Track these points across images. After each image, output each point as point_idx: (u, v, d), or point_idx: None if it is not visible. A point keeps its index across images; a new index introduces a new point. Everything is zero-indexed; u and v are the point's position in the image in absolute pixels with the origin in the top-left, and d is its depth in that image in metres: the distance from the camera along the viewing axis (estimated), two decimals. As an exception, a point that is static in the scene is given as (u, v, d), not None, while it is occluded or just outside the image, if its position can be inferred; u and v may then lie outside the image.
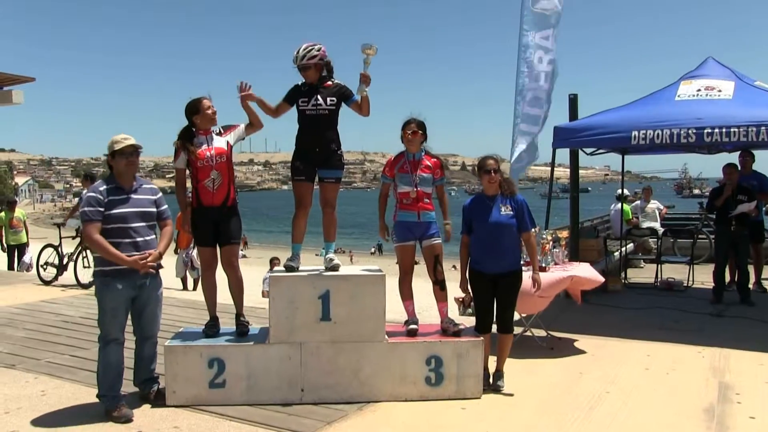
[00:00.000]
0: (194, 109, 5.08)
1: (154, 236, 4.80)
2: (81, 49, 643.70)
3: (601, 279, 7.03)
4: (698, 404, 4.95)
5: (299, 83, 5.28)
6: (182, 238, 11.79)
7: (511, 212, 5.21)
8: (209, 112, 5.09)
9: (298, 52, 5.13)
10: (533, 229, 5.43)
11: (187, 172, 5.16)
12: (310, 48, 5.14)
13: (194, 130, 5.11)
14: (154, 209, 4.81)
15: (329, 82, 5.25)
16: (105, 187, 4.63)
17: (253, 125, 5.30)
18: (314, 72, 5.17)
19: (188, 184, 5.23)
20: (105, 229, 4.56)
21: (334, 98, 5.21)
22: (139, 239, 4.64)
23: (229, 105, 5.66)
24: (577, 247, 9.13)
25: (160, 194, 4.96)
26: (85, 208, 4.56)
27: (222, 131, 5.21)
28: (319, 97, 5.17)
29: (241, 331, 5.19)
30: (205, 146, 5.06)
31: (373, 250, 43.70)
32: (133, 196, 4.70)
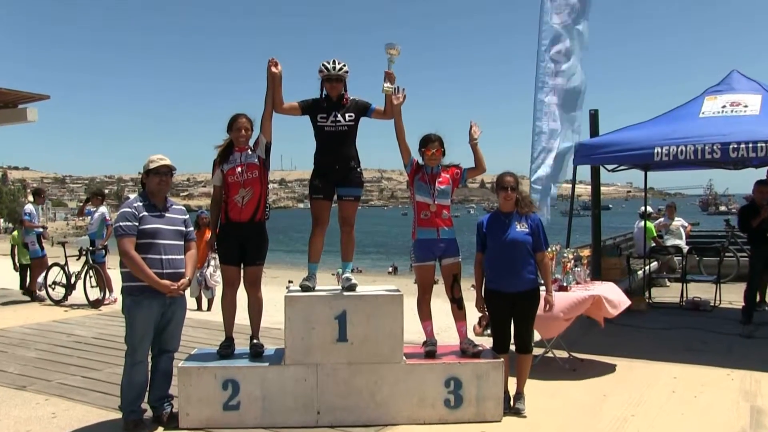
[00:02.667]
0: (229, 124, 5.19)
1: (182, 257, 4.89)
2: (95, 72, 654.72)
3: (627, 302, 6.94)
4: (729, 430, 4.86)
5: (319, 97, 5.31)
6: (200, 255, 11.85)
7: (527, 230, 5.21)
8: (237, 134, 5.14)
9: (332, 64, 5.18)
10: (554, 247, 5.41)
11: None
12: (344, 63, 5.22)
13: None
14: (184, 228, 4.95)
15: (345, 99, 5.30)
16: (139, 203, 4.77)
17: (267, 113, 5.22)
18: (341, 86, 5.25)
19: None
20: (136, 245, 4.67)
21: (352, 114, 5.25)
22: (166, 257, 4.74)
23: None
24: (599, 265, 9.07)
25: (188, 215, 5.11)
26: (120, 223, 4.68)
27: (253, 147, 5.26)
28: (338, 113, 5.21)
29: (256, 352, 5.20)
30: (237, 162, 5.14)
31: (390, 269, 43.68)
32: (166, 214, 4.86)
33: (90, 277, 10.97)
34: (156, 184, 4.83)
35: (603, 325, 6.82)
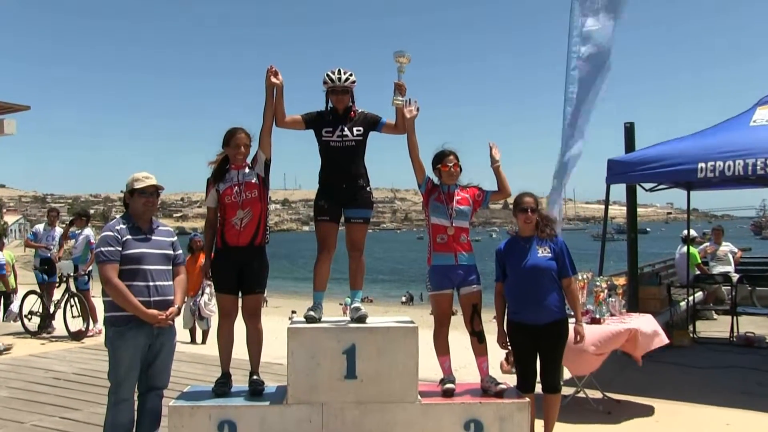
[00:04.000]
0: (226, 139, 5.23)
1: (170, 283, 4.91)
2: (79, 82, 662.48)
3: (665, 340, 6.90)
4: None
5: (324, 110, 5.37)
6: (190, 284, 11.87)
7: (550, 254, 5.22)
8: (235, 150, 5.17)
9: (337, 74, 5.23)
10: (585, 275, 5.40)
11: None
12: (350, 73, 5.27)
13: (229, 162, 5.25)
14: (172, 252, 4.98)
15: (353, 112, 5.36)
16: (122, 225, 4.79)
17: (266, 127, 5.27)
18: (348, 98, 5.31)
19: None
20: (120, 271, 4.69)
21: (361, 128, 5.30)
22: (152, 283, 4.76)
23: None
24: (636, 295, 9.04)
25: (176, 237, 5.13)
26: (102, 248, 4.69)
27: (251, 165, 5.30)
28: (345, 127, 5.26)
29: (255, 390, 5.21)
30: (234, 181, 5.18)
31: (404, 299, 43.57)
32: (151, 237, 4.87)
33: (71, 306, 11.02)
34: (141, 205, 4.85)
35: (640, 362, 6.78)
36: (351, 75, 5.27)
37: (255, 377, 5.27)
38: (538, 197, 5.45)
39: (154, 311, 4.71)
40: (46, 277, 11.60)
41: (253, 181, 5.21)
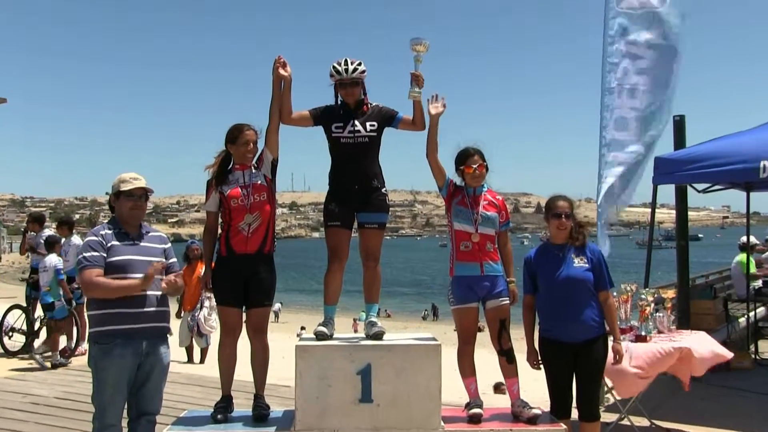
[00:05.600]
0: (231, 137, 5.28)
1: (161, 293, 4.88)
2: (63, 75, 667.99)
3: (727, 354, 6.84)
4: None
5: (334, 104, 5.41)
6: (187, 297, 11.95)
7: (587, 264, 5.21)
8: (244, 148, 5.24)
9: (344, 65, 5.26)
10: (629, 287, 5.39)
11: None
12: (359, 61, 5.30)
13: (232, 162, 5.30)
14: (164, 260, 4.96)
15: (366, 105, 5.39)
16: (107, 231, 4.81)
17: (273, 124, 5.34)
18: (359, 90, 5.34)
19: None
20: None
21: (374, 123, 5.32)
22: (141, 293, 4.73)
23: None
24: (687, 310, 8.98)
25: (170, 244, 5.13)
26: (84, 254, 4.71)
27: (257, 164, 5.35)
28: (356, 122, 5.29)
29: (260, 415, 5.22)
30: (240, 183, 5.23)
31: (425, 312, 43.53)
32: (141, 243, 4.88)
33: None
34: (128, 209, 4.86)
35: (687, 386, 6.70)
36: (360, 65, 5.29)
37: (259, 400, 5.29)
38: (573, 200, 5.43)
39: (138, 277, 4.67)
40: (34, 291, 11.33)
41: (261, 182, 5.26)
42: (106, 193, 5.12)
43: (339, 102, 5.38)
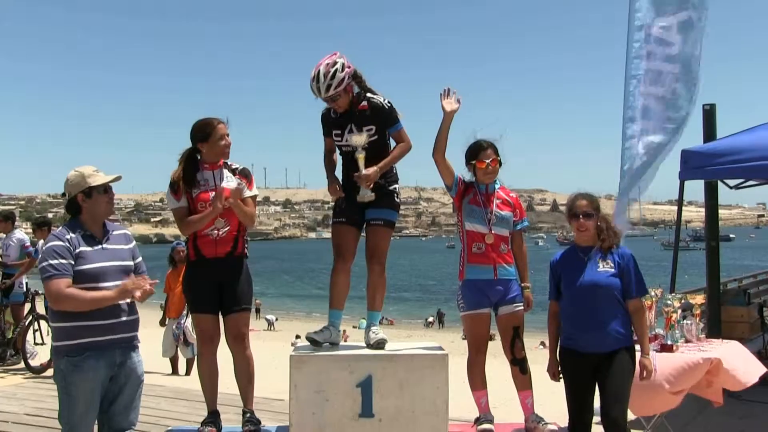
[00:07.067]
0: (202, 133, 5.24)
1: (131, 300, 4.83)
2: (35, 61, 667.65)
3: (762, 370, 6.82)
4: None
5: (327, 109, 5.43)
6: (172, 303, 11.96)
7: (612, 269, 5.16)
8: (222, 143, 5.24)
9: (317, 81, 5.13)
10: (653, 292, 5.35)
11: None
12: (333, 70, 5.13)
13: (199, 160, 5.29)
14: (132, 262, 4.92)
15: (364, 102, 5.32)
16: (71, 234, 4.70)
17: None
18: (346, 97, 5.26)
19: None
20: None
21: (372, 126, 5.28)
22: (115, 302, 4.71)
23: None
24: (718, 318, 8.96)
25: (134, 242, 5.08)
26: (51, 261, 4.59)
27: (236, 172, 5.36)
28: (353, 126, 5.28)
29: (250, 431, 5.23)
30: (211, 185, 5.22)
31: (430, 319, 43.53)
32: (108, 245, 4.80)
33: (36, 330, 11.04)
34: (106, 205, 4.80)
35: (720, 401, 6.69)
36: (332, 78, 5.11)
37: (249, 415, 5.29)
38: (597, 198, 5.39)
39: (111, 287, 4.62)
40: (5, 299, 11.38)
41: (234, 187, 5.22)
42: (62, 195, 4.95)
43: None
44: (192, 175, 5.24)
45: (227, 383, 5.43)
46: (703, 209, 9.67)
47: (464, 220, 5.42)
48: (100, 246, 4.75)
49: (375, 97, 5.33)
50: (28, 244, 11.46)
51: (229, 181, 5.24)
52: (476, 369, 5.39)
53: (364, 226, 5.40)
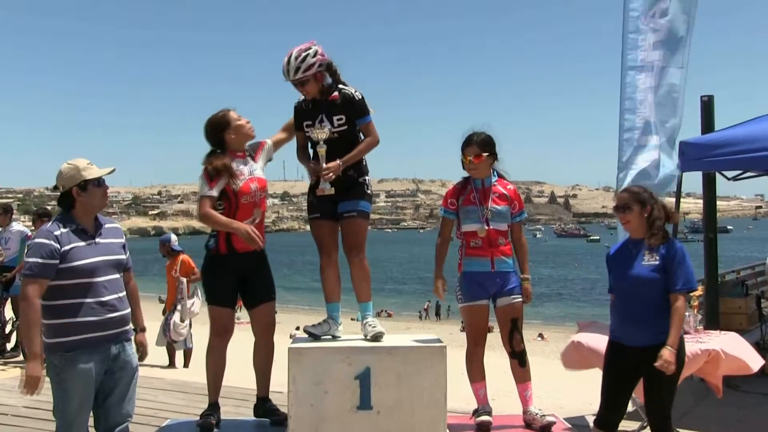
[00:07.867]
0: (221, 124, 5.27)
1: (124, 294, 4.84)
2: (31, 56, 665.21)
3: (760, 361, 6.82)
4: None
5: (299, 101, 5.41)
6: (171, 294, 11.96)
7: (657, 262, 5.04)
8: (243, 122, 5.30)
9: (288, 63, 5.14)
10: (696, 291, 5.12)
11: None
12: (304, 54, 5.12)
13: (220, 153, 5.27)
14: (124, 255, 4.93)
15: (335, 93, 5.29)
16: (62, 230, 4.64)
17: (284, 140, 5.54)
18: (315, 84, 5.22)
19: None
20: (65, 287, 4.59)
21: (342, 116, 5.25)
22: (107, 298, 4.67)
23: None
24: (716, 309, 8.97)
25: (124, 237, 5.05)
26: (32, 259, 4.52)
27: (252, 154, 5.41)
28: (324, 116, 5.26)
29: (279, 420, 5.30)
30: (247, 176, 5.25)
31: (425, 305, 43.57)
32: (100, 240, 4.77)
33: None
34: (100, 198, 4.79)
35: (720, 393, 6.69)
36: (305, 58, 5.10)
37: (271, 404, 5.39)
38: (648, 191, 5.18)
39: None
40: (5, 292, 11.36)
41: (263, 176, 5.35)
42: (54, 188, 4.89)
43: (301, 98, 5.38)
44: (228, 164, 5.21)
45: (227, 376, 5.43)
46: (701, 201, 9.66)
47: (462, 222, 5.46)
48: (92, 240, 4.71)
49: (346, 87, 5.31)
50: (30, 233, 11.41)
51: (255, 170, 5.31)
52: (475, 361, 5.40)
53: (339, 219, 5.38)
